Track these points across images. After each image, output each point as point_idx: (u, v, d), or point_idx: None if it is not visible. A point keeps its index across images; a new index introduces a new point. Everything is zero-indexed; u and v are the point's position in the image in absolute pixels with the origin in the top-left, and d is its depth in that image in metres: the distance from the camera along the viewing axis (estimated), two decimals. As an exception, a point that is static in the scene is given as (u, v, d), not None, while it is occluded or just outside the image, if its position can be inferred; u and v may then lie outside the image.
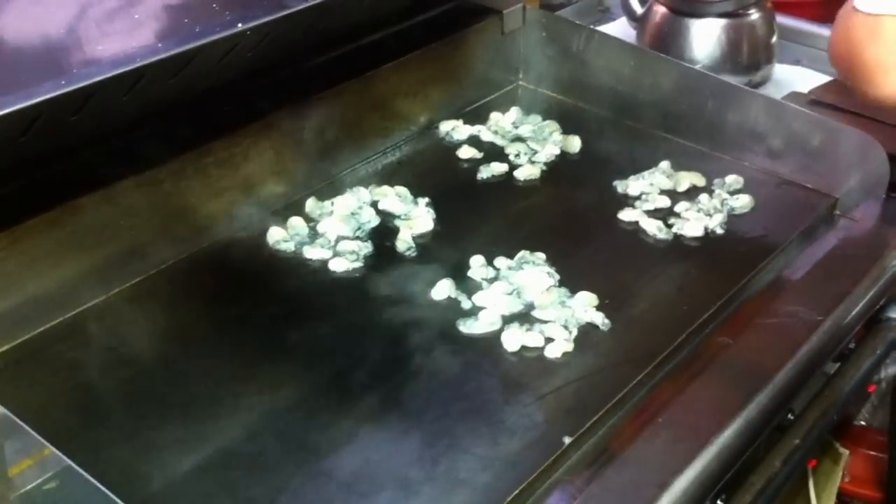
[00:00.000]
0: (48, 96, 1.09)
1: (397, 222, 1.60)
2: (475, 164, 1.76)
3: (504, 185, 1.72)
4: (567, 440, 1.20)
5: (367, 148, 1.74)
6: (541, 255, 1.51)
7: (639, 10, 2.03)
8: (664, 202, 1.64)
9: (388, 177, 1.70)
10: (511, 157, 1.77)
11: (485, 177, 1.73)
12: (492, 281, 1.48)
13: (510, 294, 1.45)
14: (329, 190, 1.66)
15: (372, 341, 1.38)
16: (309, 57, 1.66)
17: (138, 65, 1.17)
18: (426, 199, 1.64)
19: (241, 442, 1.23)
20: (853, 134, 1.61)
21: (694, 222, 1.58)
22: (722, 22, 1.92)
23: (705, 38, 1.93)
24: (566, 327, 1.39)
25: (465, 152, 1.78)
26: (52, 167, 1.35)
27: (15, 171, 1.31)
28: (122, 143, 1.42)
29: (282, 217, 1.59)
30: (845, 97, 1.80)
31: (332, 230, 1.56)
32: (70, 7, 1.19)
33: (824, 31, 2.11)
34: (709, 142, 1.77)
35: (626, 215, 1.62)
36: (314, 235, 1.57)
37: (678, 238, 1.58)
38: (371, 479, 1.17)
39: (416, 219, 1.60)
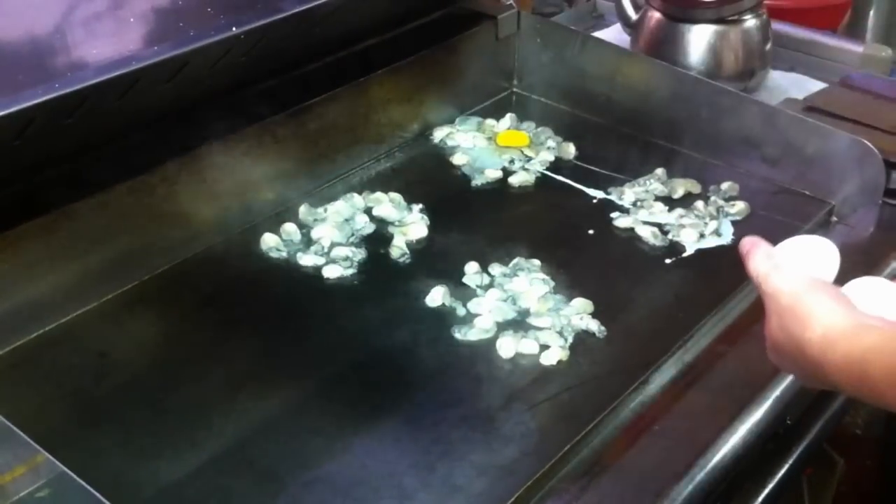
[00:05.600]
0: (42, 100, 1.09)
1: (391, 229, 1.59)
2: (469, 170, 1.75)
3: (498, 192, 1.72)
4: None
5: (361, 154, 1.74)
6: (536, 262, 1.51)
7: (633, 16, 2.02)
8: (659, 209, 1.64)
9: (382, 183, 1.70)
10: (505, 164, 1.77)
11: (479, 183, 1.72)
12: (486, 288, 1.47)
13: (505, 301, 1.45)
14: (323, 196, 1.65)
15: (366, 348, 1.38)
16: (303, 62, 1.65)
17: (133, 69, 1.17)
18: (420, 206, 1.64)
19: (235, 448, 1.22)
20: (849, 140, 1.61)
21: (689, 229, 1.58)
22: (717, 28, 1.91)
23: (700, 44, 1.92)
24: (561, 334, 1.38)
25: (460, 159, 1.77)
26: (46, 172, 1.35)
27: (8, 176, 1.30)
28: (115, 147, 1.42)
29: (275, 223, 1.58)
30: (841, 104, 1.80)
31: (325, 237, 1.55)
32: (64, 10, 1.18)
33: (819, 38, 2.12)
34: (704, 148, 1.76)
35: (621, 222, 1.62)
36: (308, 242, 1.56)
37: (674, 245, 1.57)
38: (367, 486, 1.16)
39: (411, 225, 1.59)
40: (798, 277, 1.06)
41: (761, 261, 1.10)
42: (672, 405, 1.28)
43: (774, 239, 1.55)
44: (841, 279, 1.47)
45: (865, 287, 1.07)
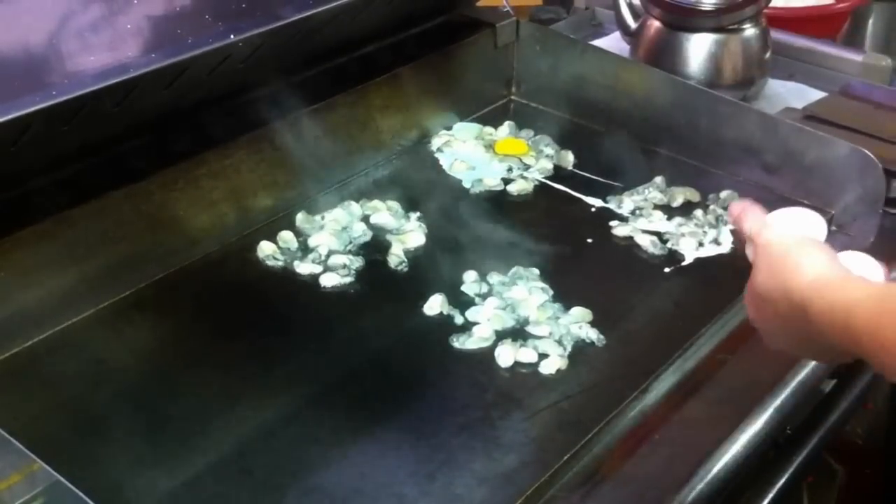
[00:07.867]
0: (39, 107, 1.08)
1: (389, 237, 1.59)
2: (468, 178, 1.74)
3: (497, 200, 1.71)
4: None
5: (358, 161, 1.73)
6: (534, 271, 1.50)
7: (632, 24, 2.02)
8: (658, 217, 1.63)
9: (379, 191, 1.69)
10: (504, 172, 1.76)
11: (477, 191, 1.72)
12: (485, 296, 1.47)
13: (504, 309, 1.44)
14: (320, 204, 1.65)
15: (363, 357, 1.37)
16: (301, 69, 1.65)
17: (130, 76, 1.16)
18: (418, 214, 1.63)
19: (233, 457, 1.21)
20: (849, 149, 1.60)
21: (689, 238, 1.58)
22: (716, 37, 1.91)
23: (699, 52, 1.91)
24: (560, 343, 1.38)
25: (458, 167, 1.77)
26: (43, 178, 1.34)
27: (5, 183, 1.30)
28: (113, 154, 1.41)
29: (272, 231, 1.57)
30: (841, 113, 1.79)
31: (323, 244, 1.55)
32: (62, 17, 1.18)
33: (818, 47, 2.12)
34: (703, 157, 1.76)
35: (620, 231, 1.61)
36: (305, 250, 1.56)
37: (673, 253, 1.57)
38: (366, 495, 1.16)
39: (408, 233, 1.59)
40: (790, 232, 1.14)
41: (755, 219, 1.18)
42: (672, 414, 1.28)
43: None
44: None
45: (847, 260, 1.13)
